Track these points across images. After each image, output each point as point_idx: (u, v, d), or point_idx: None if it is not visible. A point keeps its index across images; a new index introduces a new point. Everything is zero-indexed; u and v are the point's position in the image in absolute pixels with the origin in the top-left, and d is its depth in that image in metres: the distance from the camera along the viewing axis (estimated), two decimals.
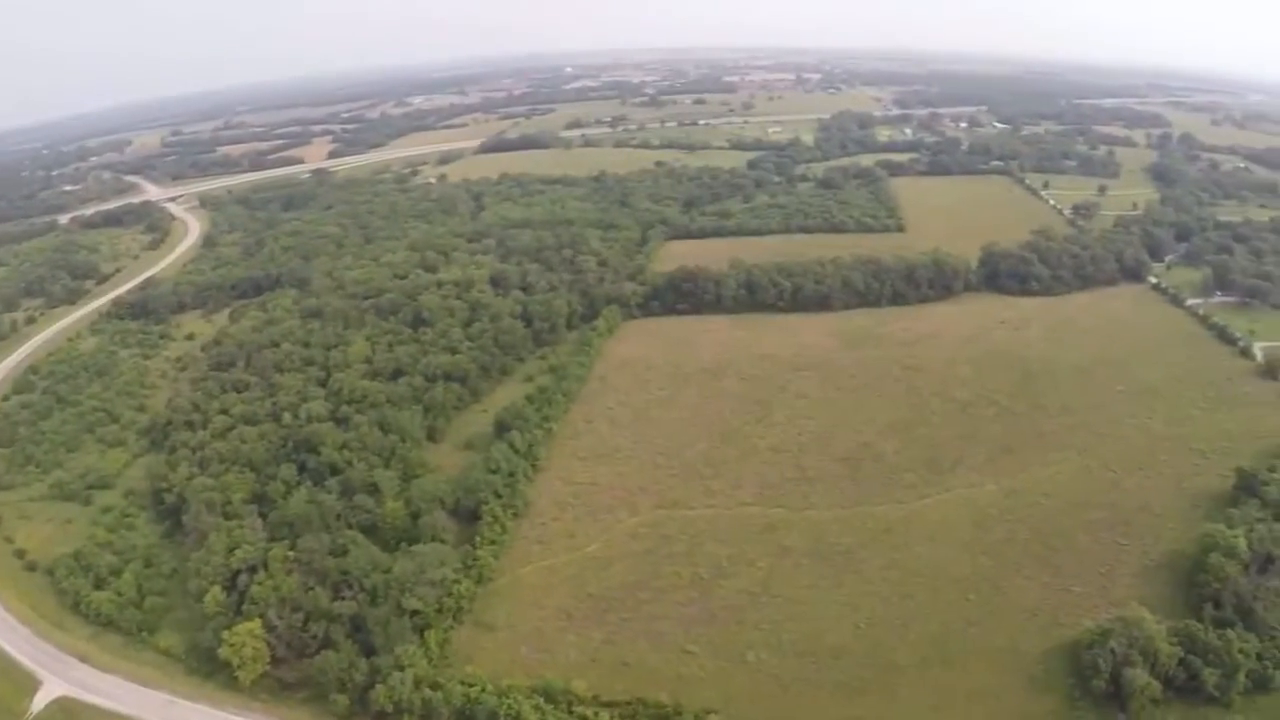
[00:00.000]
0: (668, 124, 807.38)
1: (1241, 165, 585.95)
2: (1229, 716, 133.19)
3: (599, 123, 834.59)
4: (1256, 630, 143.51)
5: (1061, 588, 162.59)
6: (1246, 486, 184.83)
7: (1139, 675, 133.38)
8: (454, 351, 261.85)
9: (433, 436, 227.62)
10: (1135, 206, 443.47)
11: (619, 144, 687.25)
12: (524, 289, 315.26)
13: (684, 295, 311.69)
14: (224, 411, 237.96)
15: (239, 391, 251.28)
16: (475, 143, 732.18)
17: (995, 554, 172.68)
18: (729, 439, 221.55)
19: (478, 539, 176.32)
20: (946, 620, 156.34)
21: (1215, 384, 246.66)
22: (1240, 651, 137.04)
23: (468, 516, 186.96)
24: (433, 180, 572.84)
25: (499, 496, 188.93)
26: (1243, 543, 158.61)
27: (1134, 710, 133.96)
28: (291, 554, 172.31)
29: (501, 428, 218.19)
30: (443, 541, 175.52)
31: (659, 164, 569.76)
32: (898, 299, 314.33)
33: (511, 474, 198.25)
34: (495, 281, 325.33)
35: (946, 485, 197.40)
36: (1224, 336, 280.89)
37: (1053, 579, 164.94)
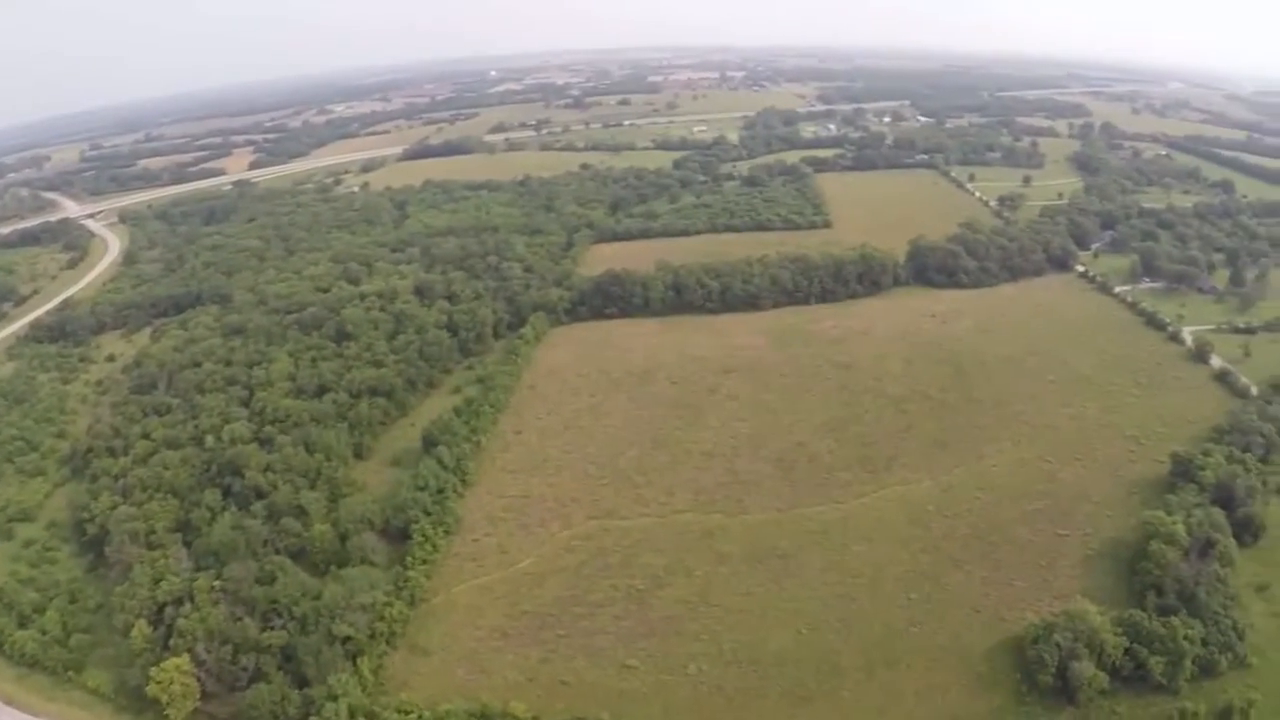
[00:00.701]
0: (592, 126, 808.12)
1: (1163, 153, 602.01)
2: (1177, 703, 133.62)
3: (523, 126, 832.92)
4: (1200, 616, 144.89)
5: (1003, 582, 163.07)
6: (1183, 472, 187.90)
7: (1085, 668, 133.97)
8: (379, 365, 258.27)
9: (360, 454, 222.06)
10: (1060, 196, 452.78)
11: (544, 147, 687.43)
12: (449, 298, 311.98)
13: (611, 299, 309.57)
14: (146, 436, 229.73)
15: (160, 415, 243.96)
16: (398, 149, 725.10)
17: (935, 551, 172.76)
18: (661, 445, 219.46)
19: (409, 559, 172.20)
20: (889, 620, 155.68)
21: (1146, 370, 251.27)
22: (1185, 638, 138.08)
23: (398, 536, 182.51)
24: (355, 189, 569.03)
25: (429, 514, 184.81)
26: (1182, 529, 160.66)
27: (1082, 703, 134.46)
28: (218, 584, 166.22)
29: (429, 442, 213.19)
30: (373, 563, 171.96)
31: (584, 166, 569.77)
32: (826, 296, 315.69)
33: (441, 490, 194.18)
34: (419, 292, 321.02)
35: (882, 483, 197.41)
36: (1153, 322, 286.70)
37: (994, 573, 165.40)
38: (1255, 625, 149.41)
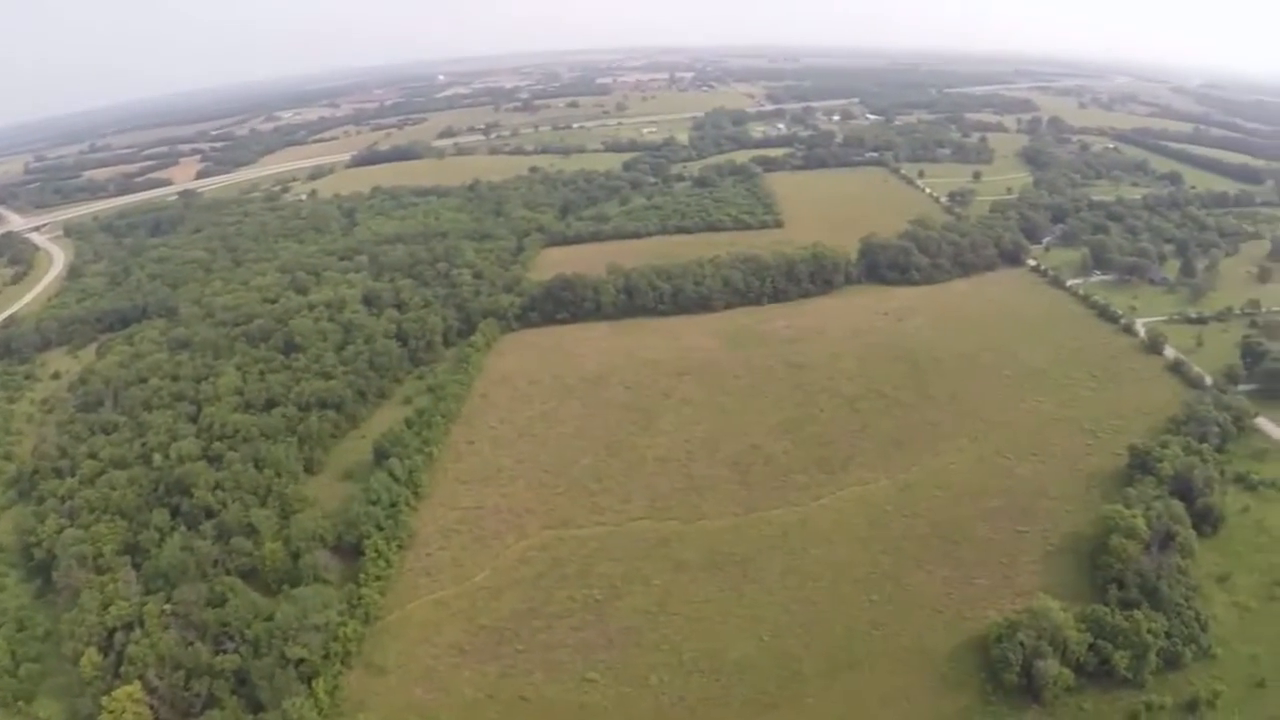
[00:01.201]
0: (542, 128, 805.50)
1: (1111, 146, 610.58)
2: (1143, 697, 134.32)
3: (472, 130, 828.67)
4: (1163, 609, 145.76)
5: (964, 581, 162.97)
6: (1141, 464, 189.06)
7: (1051, 666, 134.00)
8: (328, 377, 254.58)
9: (310, 468, 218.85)
10: (1010, 191, 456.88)
11: (493, 151, 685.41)
12: (398, 306, 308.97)
13: (563, 304, 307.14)
14: (92, 456, 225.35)
15: (107, 433, 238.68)
16: (346, 156, 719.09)
17: (894, 551, 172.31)
18: (615, 451, 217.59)
19: (362, 576, 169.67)
20: (851, 624, 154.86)
21: (1101, 363, 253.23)
22: (1149, 632, 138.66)
23: (351, 552, 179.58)
24: (303, 197, 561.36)
25: (381, 529, 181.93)
26: (1142, 522, 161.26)
27: (1048, 701, 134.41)
28: (168, 607, 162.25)
29: (381, 455, 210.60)
30: (326, 582, 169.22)
31: (533, 170, 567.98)
32: (779, 296, 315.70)
33: (394, 504, 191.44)
34: (368, 300, 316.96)
35: (839, 484, 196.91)
36: (1106, 315, 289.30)
37: (955, 572, 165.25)
38: (1218, 616, 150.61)
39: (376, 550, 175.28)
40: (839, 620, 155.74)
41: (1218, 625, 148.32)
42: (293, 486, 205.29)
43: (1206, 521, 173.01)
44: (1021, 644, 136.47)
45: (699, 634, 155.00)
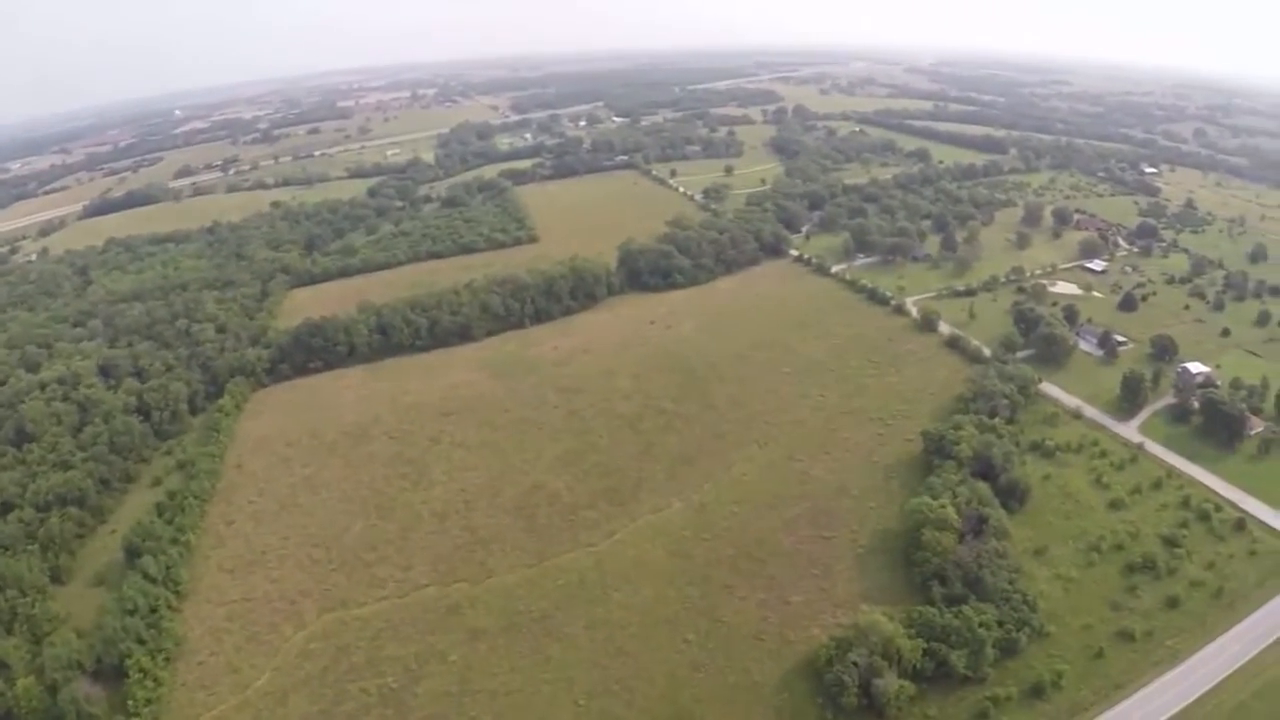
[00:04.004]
0: (283, 159, 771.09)
1: (857, 129, 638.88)
2: (986, 692, 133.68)
3: (210, 168, 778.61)
4: (990, 598, 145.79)
5: (780, 601, 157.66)
6: (937, 449, 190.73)
7: (890, 682, 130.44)
8: (67, 467, 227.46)
9: (58, 577, 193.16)
10: (763, 182, 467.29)
11: (232, 188, 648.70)
12: (138, 374, 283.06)
13: (314, 351, 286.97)
14: None
15: None
16: (79, 206, 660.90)
17: (702, 581, 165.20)
18: (387, 512, 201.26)
19: (130, 703, 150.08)
20: (671, 670, 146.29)
21: (878, 347, 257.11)
22: (981, 625, 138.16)
23: (114, 674, 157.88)
24: (33, 257, 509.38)
25: (143, 642, 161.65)
26: (951, 511, 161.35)
27: (892, 716, 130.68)
28: None
29: (132, 553, 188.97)
30: (92, 716, 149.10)
31: (275, 205, 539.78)
32: (541, 316, 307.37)
33: (154, 609, 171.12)
34: (105, 371, 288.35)
35: (632, 514, 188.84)
36: (876, 298, 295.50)
37: (768, 594, 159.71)
38: (1043, 592, 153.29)
39: (141, 669, 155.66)
40: (657, 669, 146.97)
41: (1045, 601, 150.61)
42: (41, 604, 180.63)
43: (1013, 497, 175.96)
44: (855, 664, 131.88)
45: (510, 710, 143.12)
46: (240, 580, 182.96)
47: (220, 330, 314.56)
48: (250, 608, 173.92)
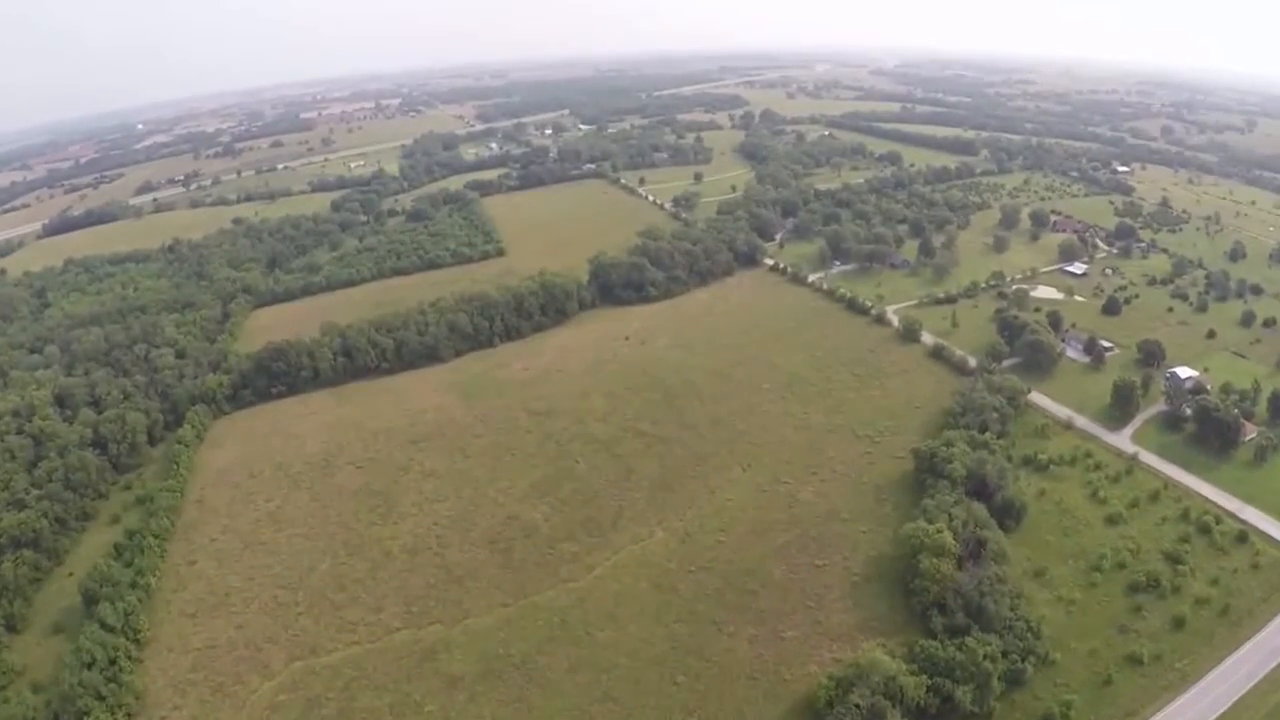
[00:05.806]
0: (245, 173, 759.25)
1: (826, 133, 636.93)
2: None
3: (171, 182, 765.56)
4: (993, 628, 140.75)
5: (773, 636, 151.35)
6: (928, 468, 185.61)
7: None
8: (21, 506, 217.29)
9: (13, 626, 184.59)
10: (734, 189, 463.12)
11: (193, 204, 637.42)
12: (94, 404, 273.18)
13: (276, 377, 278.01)
14: None
15: None
16: (38, 225, 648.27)
17: (690, 618, 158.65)
18: (356, 548, 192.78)
19: None
20: (662, 715, 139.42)
21: (860, 359, 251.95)
22: (986, 658, 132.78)
23: None
24: None
25: (102, 698, 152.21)
26: (948, 536, 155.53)
27: None
28: None
29: (90, 599, 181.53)
30: None
31: (237, 221, 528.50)
32: (511, 334, 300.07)
33: (113, 660, 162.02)
34: (61, 401, 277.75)
35: (613, 546, 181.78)
36: (855, 307, 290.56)
37: (760, 629, 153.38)
38: (1046, 616, 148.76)
39: None
40: (647, 714, 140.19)
41: (1048, 626, 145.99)
42: None
43: (1009, 516, 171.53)
44: (857, 706, 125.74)
45: None
46: (203, 625, 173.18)
47: (180, 355, 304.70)
48: (214, 656, 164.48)
